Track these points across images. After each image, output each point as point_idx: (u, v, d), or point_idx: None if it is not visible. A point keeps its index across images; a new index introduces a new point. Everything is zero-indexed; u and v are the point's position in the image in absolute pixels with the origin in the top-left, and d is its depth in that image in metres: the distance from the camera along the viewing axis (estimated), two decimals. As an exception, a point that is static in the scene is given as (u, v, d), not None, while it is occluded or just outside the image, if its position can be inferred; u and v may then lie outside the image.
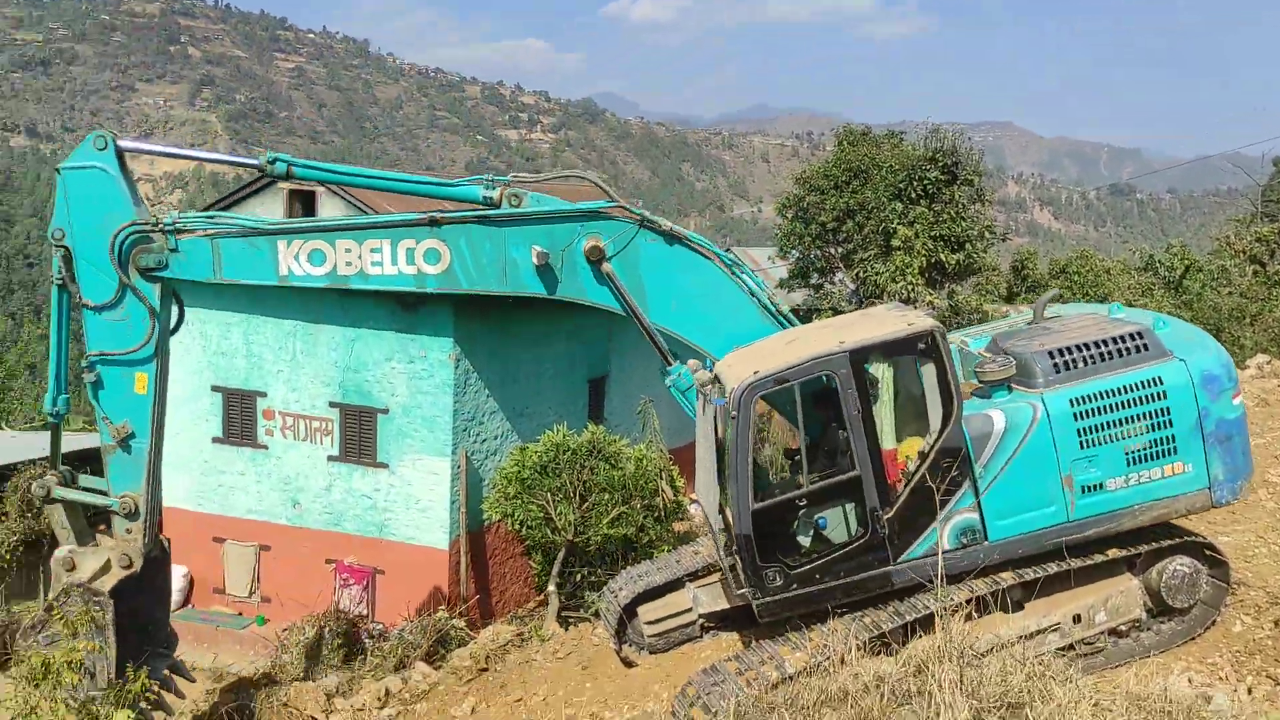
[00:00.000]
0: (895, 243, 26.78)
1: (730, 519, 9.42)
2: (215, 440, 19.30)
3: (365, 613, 18.07)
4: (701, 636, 12.03)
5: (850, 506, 9.36)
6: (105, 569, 11.04)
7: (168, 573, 12.16)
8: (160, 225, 10.57)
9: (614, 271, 10.29)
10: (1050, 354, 9.42)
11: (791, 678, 8.66)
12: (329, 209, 18.58)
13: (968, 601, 9.16)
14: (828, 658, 8.61)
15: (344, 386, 18.38)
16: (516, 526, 16.40)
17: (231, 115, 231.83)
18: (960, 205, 27.31)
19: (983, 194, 28.29)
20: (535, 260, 10.34)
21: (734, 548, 9.42)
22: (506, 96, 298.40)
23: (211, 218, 11.09)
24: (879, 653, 8.75)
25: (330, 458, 18.67)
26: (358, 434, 18.47)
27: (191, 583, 19.65)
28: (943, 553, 9.00)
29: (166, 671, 11.77)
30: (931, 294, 26.20)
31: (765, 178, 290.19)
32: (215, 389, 19.13)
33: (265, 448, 19.08)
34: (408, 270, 10.55)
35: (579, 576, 16.10)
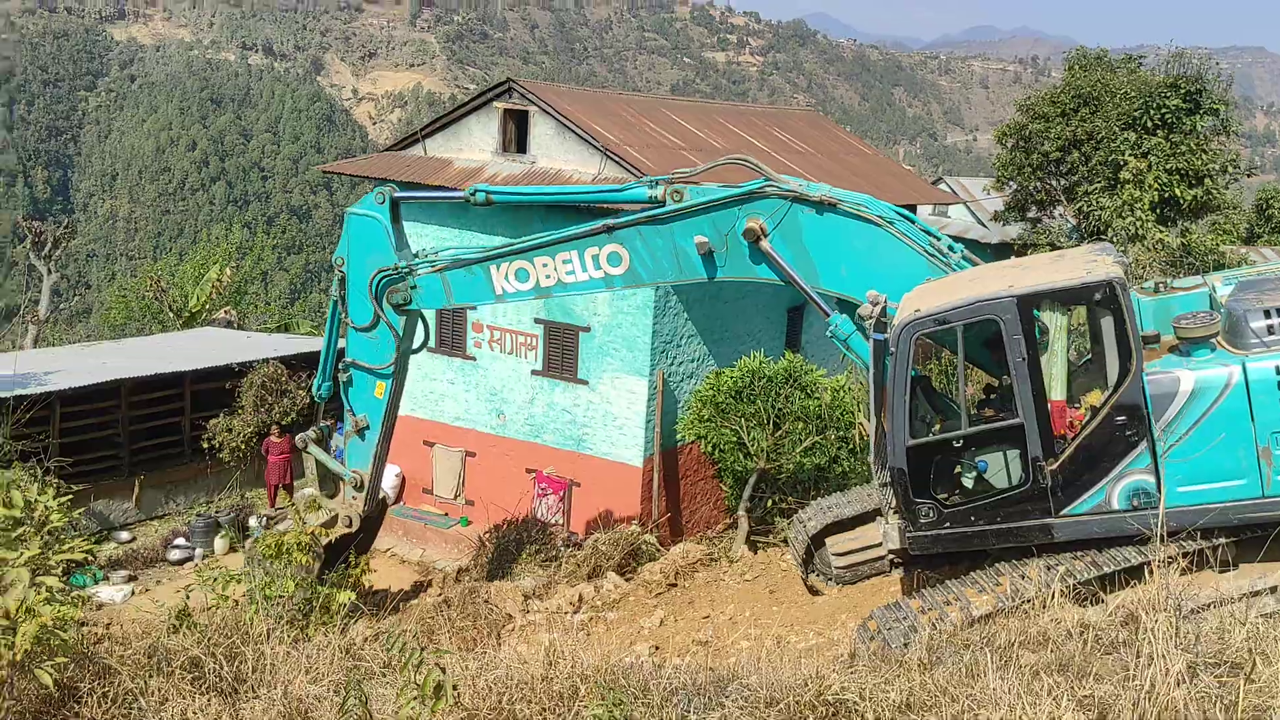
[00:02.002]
0: (1124, 175, 25.09)
1: (886, 451, 9.33)
2: (429, 350, 20.26)
3: (561, 522, 18.79)
4: (889, 572, 11.96)
5: (1012, 453, 9.07)
6: (331, 523, 13.97)
7: (376, 527, 14.89)
8: (399, 269, 12.71)
9: (772, 248, 10.75)
10: (1267, 313, 8.66)
11: (977, 620, 8.52)
12: (540, 127, 18.94)
13: (1183, 555, 8.71)
14: (1017, 603, 8.41)
15: (548, 304, 18.91)
16: (709, 449, 16.61)
17: (449, 36, 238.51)
18: (1201, 137, 25.26)
19: (1228, 125, 26.05)
20: (700, 249, 11.05)
21: (888, 480, 9.36)
22: (716, 18, 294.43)
23: (439, 253, 12.87)
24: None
25: (533, 372, 19.33)
26: (560, 350, 19.02)
27: (403, 482, 20.89)
28: (1118, 512, 8.63)
29: None
30: (1162, 231, 24.46)
31: (983, 105, 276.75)
32: (429, 300, 20.07)
33: (474, 359, 19.93)
34: (596, 275, 11.75)
35: (769, 503, 16.19)
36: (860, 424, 15.01)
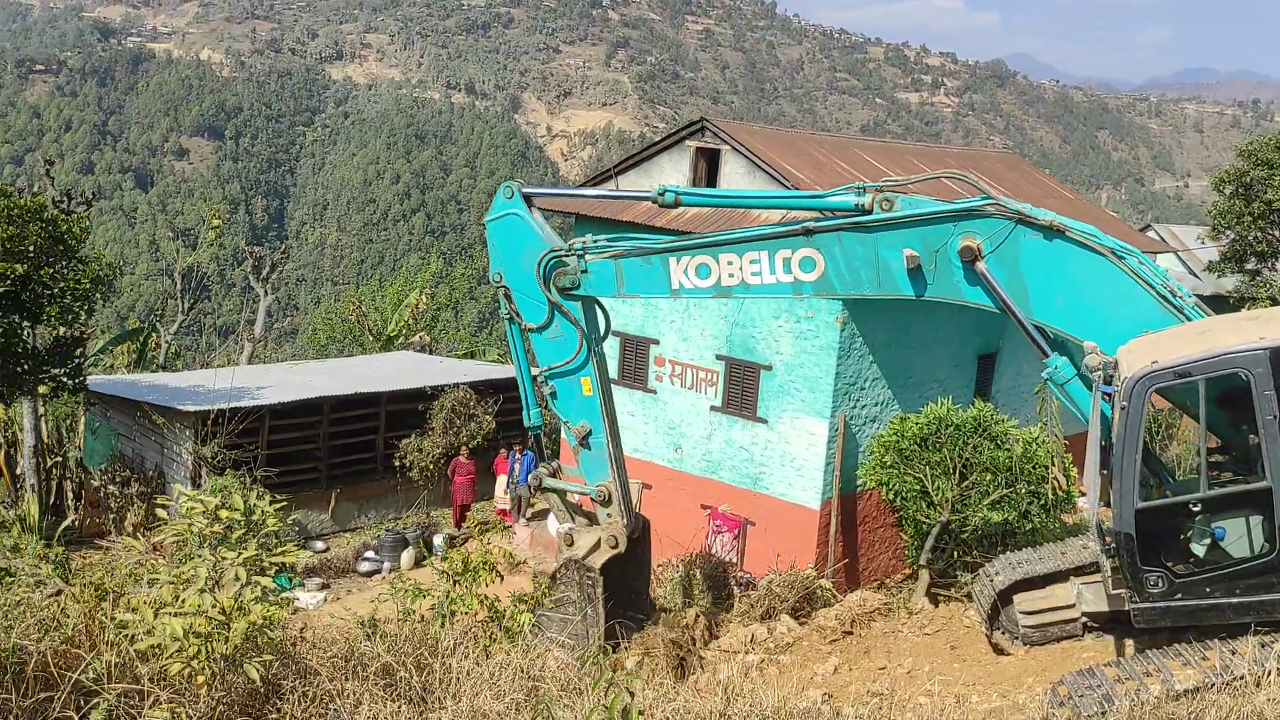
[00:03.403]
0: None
1: (1111, 514, 8.79)
2: (611, 381, 20.62)
3: (734, 560, 18.66)
4: (1082, 635, 11.36)
5: (1256, 520, 8.41)
6: (596, 547, 13.18)
7: (648, 547, 14.21)
8: (571, 249, 12.24)
9: (988, 270, 10.11)
10: None
11: (1180, 694, 7.95)
12: (731, 165, 19.08)
13: None
14: (1227, 679, 7.81)
15: (731, 340, 18.94)
16: (891, 496, 16.20)
17: (641, 76, 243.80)
18: None
19: None
20: (907, 263, 10.44)
21: (1112, 545, 8.80)
22: (911, 58, 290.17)
23: (612, 239, 12.45)
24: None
25: (712, 408, 19.35)
26: (740, 387, 18.99)
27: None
28: None
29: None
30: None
31: (1196, 149, 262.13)
32: (614, 333, 20.37)
33: (654, 392, 20.13)
34: (784, 279, 11.16)
35: (953, 555, 15.63)
36: (1054, 478, 14.35)
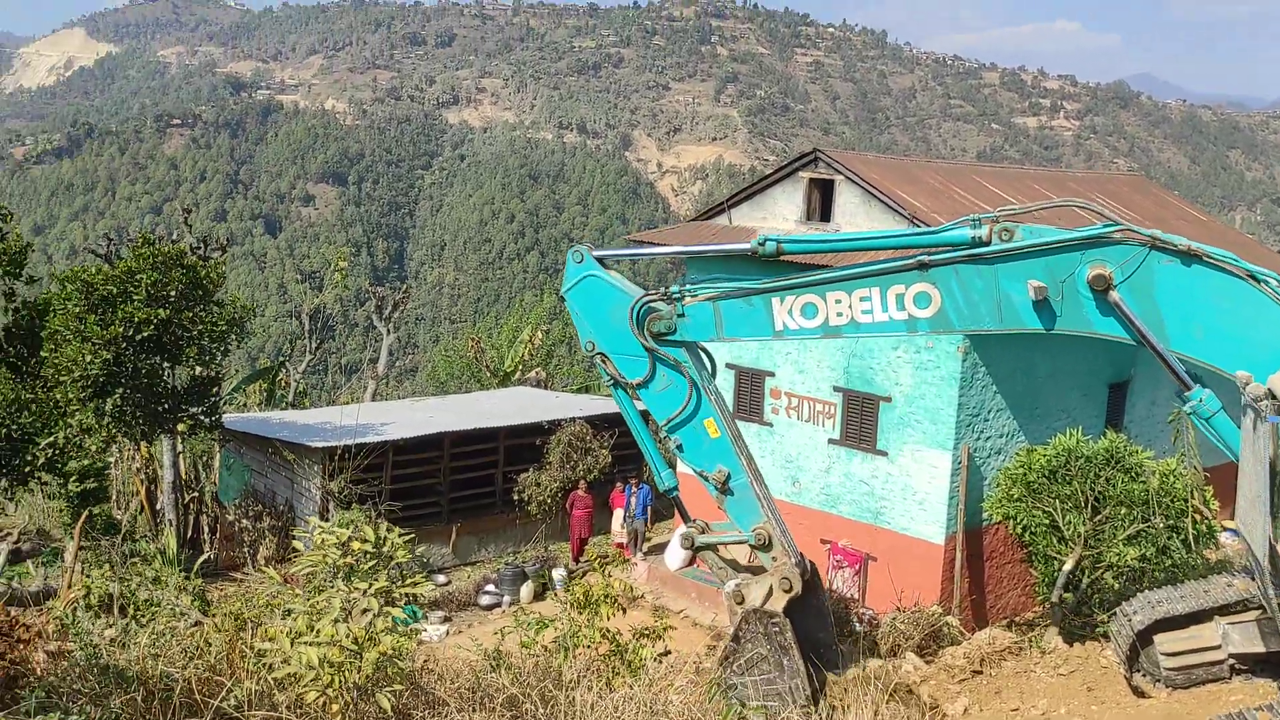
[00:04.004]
0: None
1: None
2: (726, 414, 20.55)
3: (856, 596, 18.30)
4: (1230, 678, 10.78)
5: None
6: (770, 594, 12.39)
7: (821, 594, 13.31)
8: (667, 293, 11.82)
9: (1122, 300, 9.66)
10: None
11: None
12: (845, 195, 18.91)
13: None
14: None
15: (848, 372, 18.68)
16: (1019, 531, 15.69)
17: (751, 110, 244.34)
18: None
19: None
20: (1032, 295, 10.01)
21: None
22: (1028, 82, 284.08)
23: (708, 280, 12.18)
24: None
25: (830, 440, 19.09)
26: (859, 420, 18.69)
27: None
28: None
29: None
30: None
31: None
32: (729, 366, 20.34)
33: (770, 425, 19.96)
34: (898, 316, 10.70)
35: (1087, 592, 15.03)
36: (1194, 512, 13.71)
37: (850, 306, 10.92)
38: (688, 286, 11.95)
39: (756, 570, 12.73)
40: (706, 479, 12.33)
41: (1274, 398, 8.59)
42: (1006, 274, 10.26)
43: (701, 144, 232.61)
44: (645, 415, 13.22)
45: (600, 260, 12.33)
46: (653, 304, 11.88)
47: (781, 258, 11.74)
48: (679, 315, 11.84)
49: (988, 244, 10.38)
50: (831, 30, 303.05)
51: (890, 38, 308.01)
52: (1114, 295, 9.73)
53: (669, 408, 12.26)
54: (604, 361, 12.38)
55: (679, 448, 12.44)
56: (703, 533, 12.96)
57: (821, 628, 12.72)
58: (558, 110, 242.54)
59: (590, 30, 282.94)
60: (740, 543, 12.56)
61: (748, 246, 11.62)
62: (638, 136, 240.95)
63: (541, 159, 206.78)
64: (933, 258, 10.61)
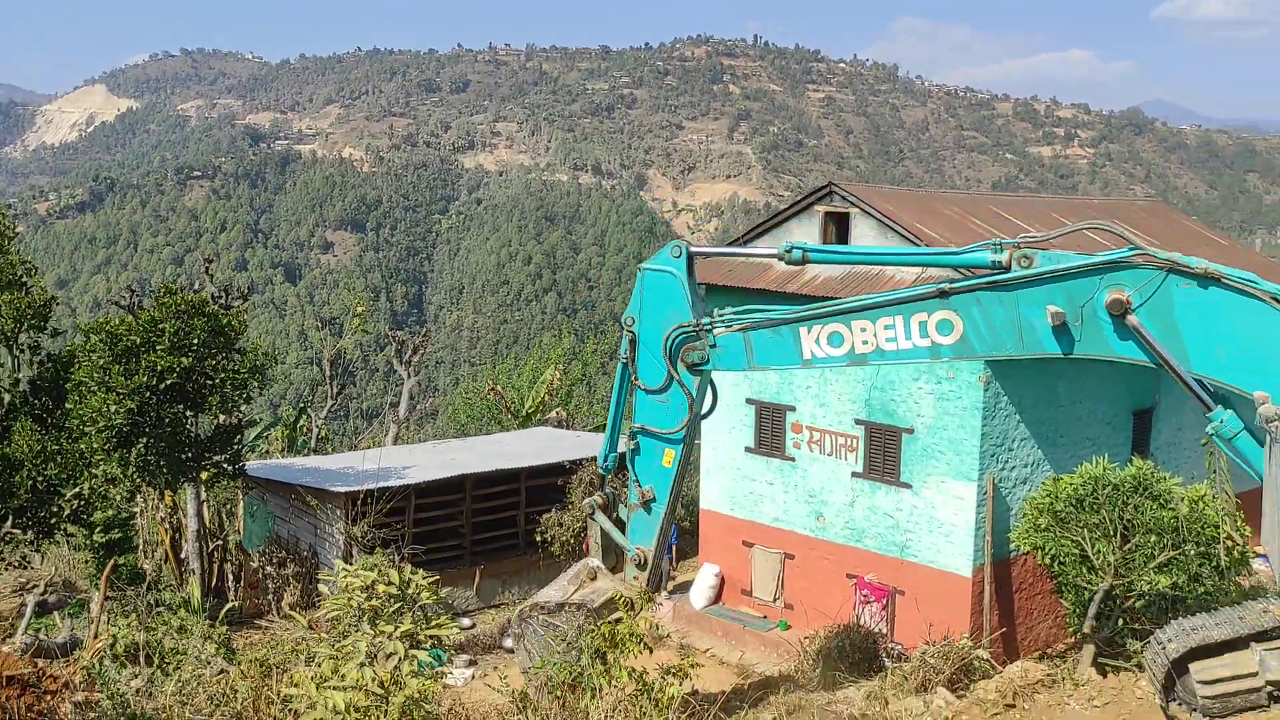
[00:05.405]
0: None
1: None
2: (748, 450, 20.48)
3: (884, 631, 18.10)
4: (1269, 706, 10.58)
5: None
6: (609, 606, 12.55)
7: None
8: (701, 325, 12.01)
9: (1141, 323, 9.73)
10: None
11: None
12: (861, 227, 18.93)
13: None
14: None
15: (870, 404, 18.60)
16: (1047, 561, 15.49)
17: (764, 146, 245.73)
18: None
19: None
20: (1051, 320, 10.12)
21: None
22: (1041, 111, 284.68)
23: (739, 312, 12.18)
24: None
25: (854, 474, 18.97)
26: (882, 452, 18.58)
27: (723, 581, 20.98)
28: None
29: None
30: None
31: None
32: (749, 401, 20.29)
33: (792, 460, 19.87)
34: (921, 343, 10.88)
35: (1118, 622, 14.81)
36: (1226, 538, 13.52)
37: (875, 335, 11.09)
38: (719, 318, 12.14)
39: (618, 560, 13.43)
40: (637, 488, 12.85)
41: None
42: (1027, 300, 10.32)
43: (716, 181, 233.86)
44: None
45: (692, 259, 12.55)
46: (690, 334, 12.12)
47: (808, 264, 12.19)
48: (711, 346, 12.07)
49: (1008, 269, 10.47)
50: (843, 66, 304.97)
51: (901, 71, 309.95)
52: (1132, 319, 9.74)
53: (656, 421, 12.60)
54: (631, 345, 12.61)
55: (635, 449, 12.82)
56: (604, 508, 13.61)
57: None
58: (572, 152, 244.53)
59: (603, 72, 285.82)
60: (621, 549, 13.23)
61: (778, 250, 11.90)
62: (652, 176, 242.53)
63: (557, 200, 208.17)
64: (954, 285, 10.73)
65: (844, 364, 11.69)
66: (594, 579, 13.06)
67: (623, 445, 13.36)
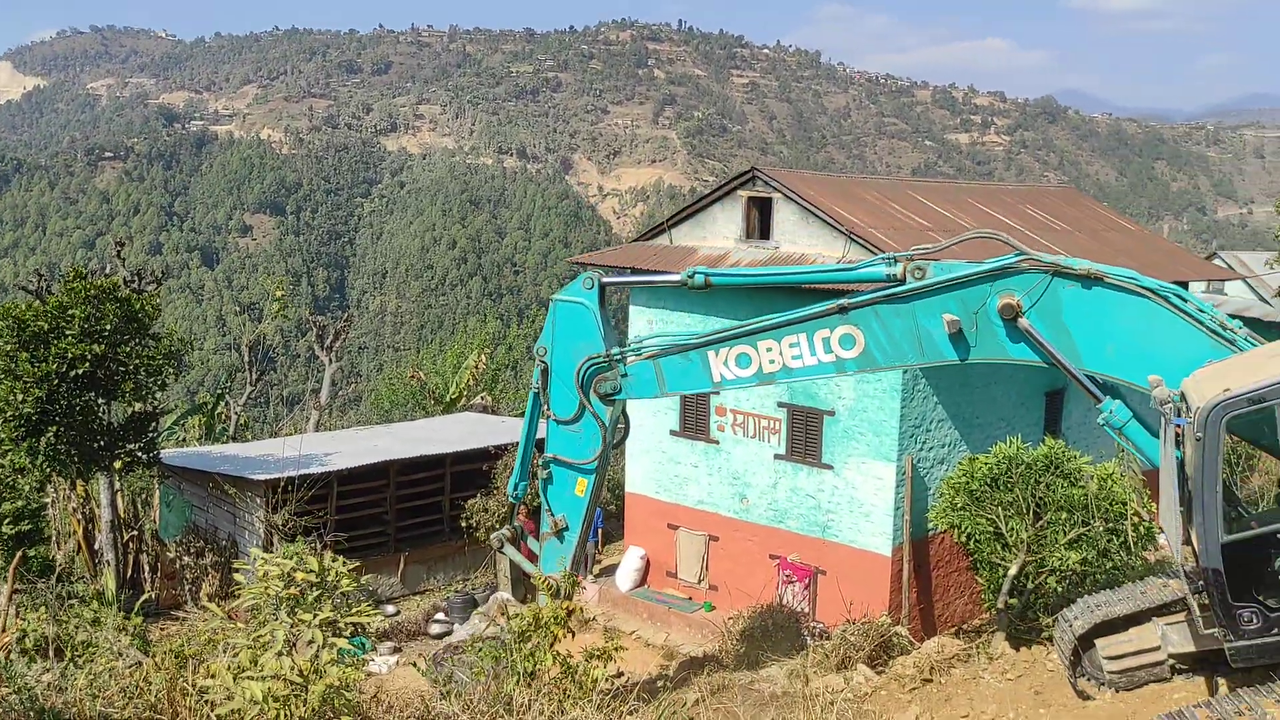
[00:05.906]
0: None
1: (1196, 551, 8.51)
2: (673, 433, 20.61)
3: (806, 610, 18.39)
4: (1170, 678, 10.97)
5: None
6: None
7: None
8: (612, 356, 12.09)
9: (1032, 325, 10.10)
10: None
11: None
12: (783, 213, 19.09)
13: None
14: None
15: (792, 388, 18.82)
16: (963, 539, 15.86)
17: (689, 131, 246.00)
18: None
19: None
20: (948, 328, 10.43)
21: (1199, 583, 8.51)
22: (959, 99, 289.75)
23: (648, 338, 12.46)
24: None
25: (776, 456, 19.21)
26: (804, 434, 18.84)
27: (648, 564, 21.10)
28: None
29: None
30: None
31: (1258, 175, 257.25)
32: (674, 385, 20.40)
33: (717, 443, 20.05)
34: (826, 359, 11.17)
35: (1031, 597, 15.24)
36: (1133, 515, 13.98)
37: (781, 354, 11.36)
38: (629, 346, 12.30)
39: (527, 593, 13.40)
40: (549, 517, 12.92)
41: (1184, 401, 8.84)
42: (923, 310, 10.66)
43: (641, 166, 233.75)
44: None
45: (604, 290, 12.56)
46: (599, 367, 12.18)
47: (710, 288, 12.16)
48: (623, 375, 12.15)
49: (903, 282, 10.81)
50: (766, 51, 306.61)
51: (824, 58, 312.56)
52: (1023, 322, 10.12)
53: (568, 450, 12.70)
54: (542, 375, 12.69)
55: (548, 479, 12.90)
56: (513, 542, 13.47)
57: None
58: (497, 135, 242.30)
59: (527, 55, 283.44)
60: (531, 573, 13.17)
61: (680, 276, 12.05)
62: (578, 160, 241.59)
63: (482, 184, 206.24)
64: (852, 300, 11.03)
65: (754, 384, 11.97)
66: (503, 614, 13.03)
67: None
